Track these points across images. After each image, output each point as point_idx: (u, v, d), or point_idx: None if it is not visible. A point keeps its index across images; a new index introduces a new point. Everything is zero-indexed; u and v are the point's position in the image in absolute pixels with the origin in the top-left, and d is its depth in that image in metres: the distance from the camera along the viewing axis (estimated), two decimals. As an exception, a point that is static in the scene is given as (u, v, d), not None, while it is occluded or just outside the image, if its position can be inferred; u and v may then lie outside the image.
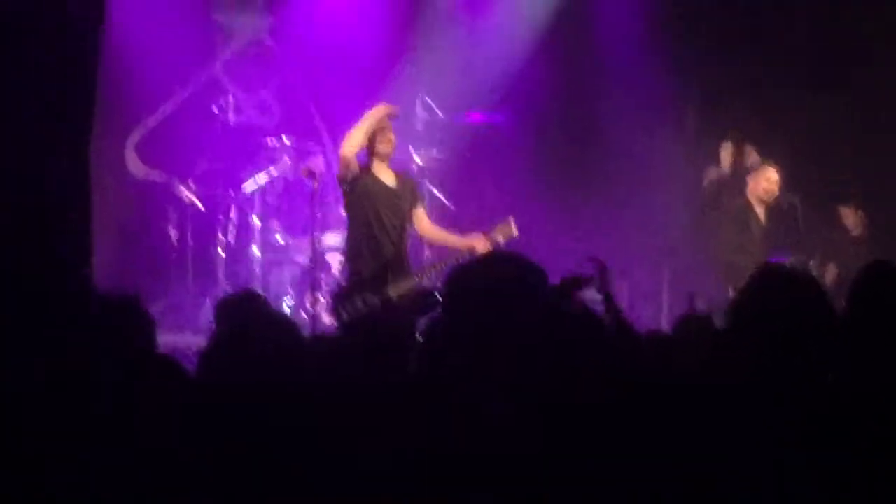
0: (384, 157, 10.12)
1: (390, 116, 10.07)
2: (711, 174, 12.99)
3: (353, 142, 9.92)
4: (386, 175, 10.18)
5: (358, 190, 10.01)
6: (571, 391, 3.60)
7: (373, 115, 10.01)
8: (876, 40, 13.57)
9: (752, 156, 12.51)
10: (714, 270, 12.19)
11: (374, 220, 9.99)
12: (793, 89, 13.90)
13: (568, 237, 12.95)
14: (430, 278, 10.55)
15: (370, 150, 10.09)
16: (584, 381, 3.65)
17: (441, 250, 11.37)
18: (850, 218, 12.97)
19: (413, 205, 10.36)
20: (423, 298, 7.20)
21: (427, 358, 3.89)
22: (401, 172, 10.49)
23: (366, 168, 10.11)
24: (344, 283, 10.39)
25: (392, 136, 10.15)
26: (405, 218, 10.21)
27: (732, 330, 4.06)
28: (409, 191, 10.40)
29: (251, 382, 3.37)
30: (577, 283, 6.02)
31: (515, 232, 10.26)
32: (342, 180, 10.07)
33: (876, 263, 4.87)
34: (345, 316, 9.73)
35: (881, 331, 4.40)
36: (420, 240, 11.22)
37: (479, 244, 10.11)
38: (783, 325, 3.80)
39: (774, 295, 3.96)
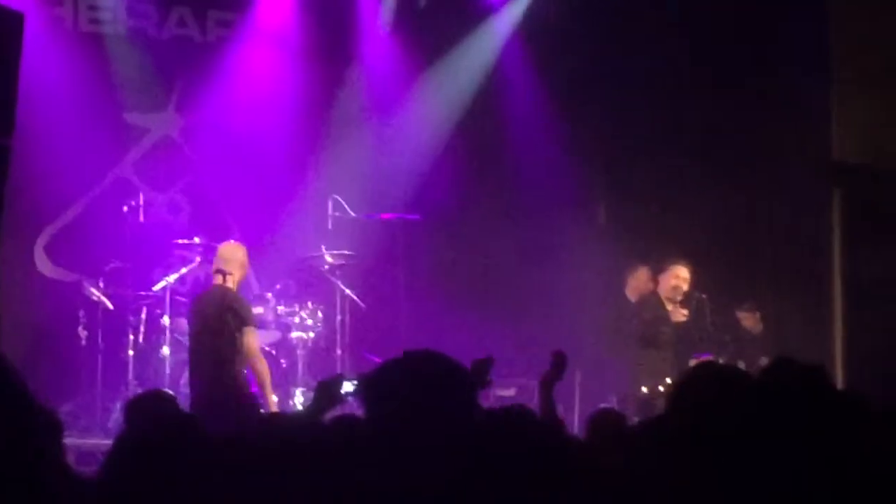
0: None
1: None
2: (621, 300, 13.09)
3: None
4: None
5: None
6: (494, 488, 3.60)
7: None
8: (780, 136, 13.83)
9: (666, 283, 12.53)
10: (624, 366, 12.27)
11: None
12: (698, 184, 14.11)
13: (476, 335, 12.97)
14: None
15: None
16: (508, 477, 3.64)
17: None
18: (749, 320, 13.18)
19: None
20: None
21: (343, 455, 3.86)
22: None
23: None
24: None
25: None
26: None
27: (668, 420, 4.11)
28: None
29: (154, 481, 3.33)
30: (484, 367, 6.07)
31: None
32: None
33: (780, 358, 4.92)
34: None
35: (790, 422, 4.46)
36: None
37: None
38: (720, 418, 3.85)
39: (712, 389, 4.03)
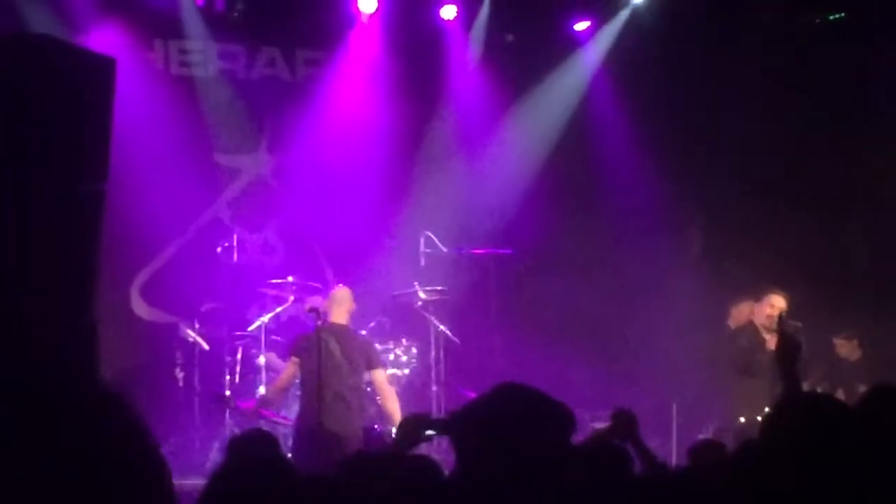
0: None
1: None
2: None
3: None
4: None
5: None
6: None
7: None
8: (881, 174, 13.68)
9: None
10: (722, 397, 12.15)
11: None
12: (793, 213, 14.01)
13: (571, 369, 12.93)
14: None
15: None
16: None
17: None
18: (846, 347, 13.01)
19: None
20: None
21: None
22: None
23: None
24: None
25: None
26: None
27: (763, 448, 4.07)
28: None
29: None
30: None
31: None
32: None
33: (879, 386, 4.87)
34: None
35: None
36: None
37: None
38: (814, 444, 3.82)
39: (807, 417, 4.00)
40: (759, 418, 11.47)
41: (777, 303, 12.11)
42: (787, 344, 6.33)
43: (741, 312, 12.84)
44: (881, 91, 13.97)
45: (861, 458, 3.92)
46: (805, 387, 11.51)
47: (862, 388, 12.13)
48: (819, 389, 11.93)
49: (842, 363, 12.80)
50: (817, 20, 14.61)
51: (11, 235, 6.29)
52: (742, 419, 11.76)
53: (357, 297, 14.03)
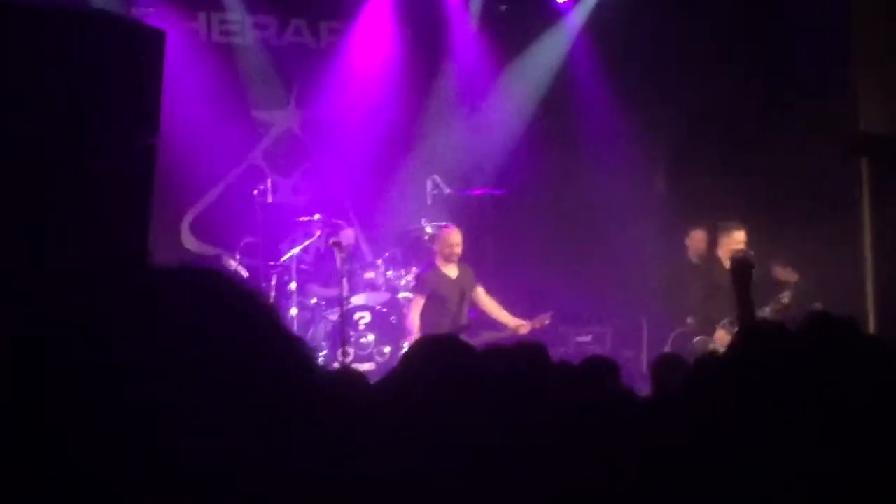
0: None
1: None
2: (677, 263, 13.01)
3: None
4: (451, 269, 11.93)
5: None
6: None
7: None
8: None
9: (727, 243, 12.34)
10: (685, 315, 12.22)
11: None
12: (743, 155, 14.05)
13: (556, 290, 13.02)
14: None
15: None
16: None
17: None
18: (783, 273, 12.89)
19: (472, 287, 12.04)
20: None
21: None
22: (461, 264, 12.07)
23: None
24: None
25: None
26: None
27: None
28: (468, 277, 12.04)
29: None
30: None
31: (548, 323, 12.04)
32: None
33: (816, 314, 4.78)
34: None
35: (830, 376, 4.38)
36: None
37: (522, 328, 11.85)
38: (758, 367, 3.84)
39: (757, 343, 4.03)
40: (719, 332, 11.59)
41: (738, 236, 12.11)
42: (740, 268, 6.37)
43: (693, 241, 12.88)
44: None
45: (799, 380, 3.93)
46: (767, 313, 11.59)
47: (818, 306, 12.15)
48: (776, 310, 11.92)
49: (781, 287, 12.69)
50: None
51: (79, 181, 6.32)
52: (699, 339, 11.84)
53: (373, 232, 14.19)
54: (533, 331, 11.87)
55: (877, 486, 3.61)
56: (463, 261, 12.18)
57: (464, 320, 11.98)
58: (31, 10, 6.44)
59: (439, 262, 12.06)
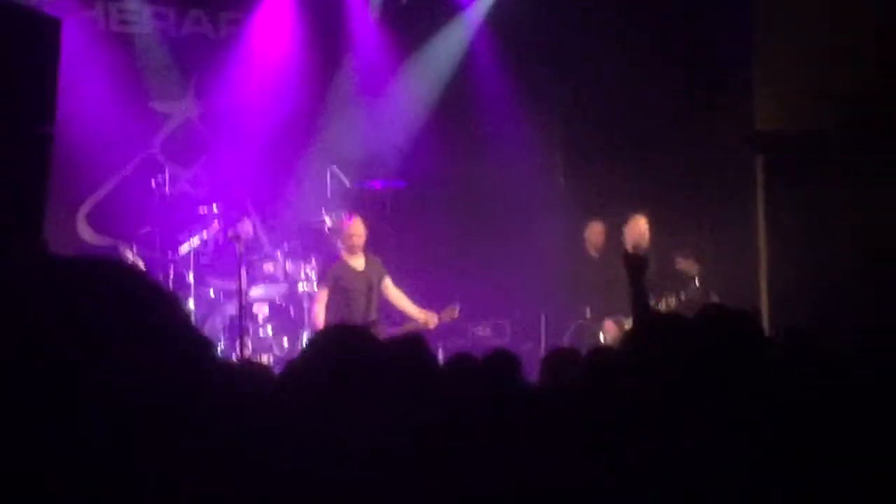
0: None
1: None
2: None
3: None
4: (356, 261, 11.88)
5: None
6: None
7: None
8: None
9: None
10: (583, 308, 12.32)
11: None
12: (641, 148, 14.24)
13: (456, 284, 13.07)
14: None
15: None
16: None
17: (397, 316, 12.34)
18: (685, 264, 13.03)
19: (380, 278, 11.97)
20: None
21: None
22: (369, 255, 12.03)
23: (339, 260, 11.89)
24: None
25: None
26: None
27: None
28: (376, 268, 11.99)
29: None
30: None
31: (457, 315, 12.04)
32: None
33: (711, 307, 4.83)
34: None
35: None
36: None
37: (431, 321, 11.85)
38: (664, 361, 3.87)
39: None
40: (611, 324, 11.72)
41: (641, 224, 12.22)
42: (631, 261, 6.42)
43: (592, 233, 12.99)
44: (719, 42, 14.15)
45: (691, 372, 3.97)
46: (662, 305, 11.73)
47: (715, 298, 12.31)
48: (670, 303, 12.05)
49: (683, 278, 12.85)
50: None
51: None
52: (598, 332, 11.97)
53: (272, 224, 14.12)
54: (441, 323, 11.92)
55: (764, 475, 3.67)
56: (369, 251, 12.17)
57: (373, 314, 11.91)
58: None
59: (343, 254, 12.04)
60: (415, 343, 3.96)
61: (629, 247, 12.04)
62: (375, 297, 11.97)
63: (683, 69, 14.33)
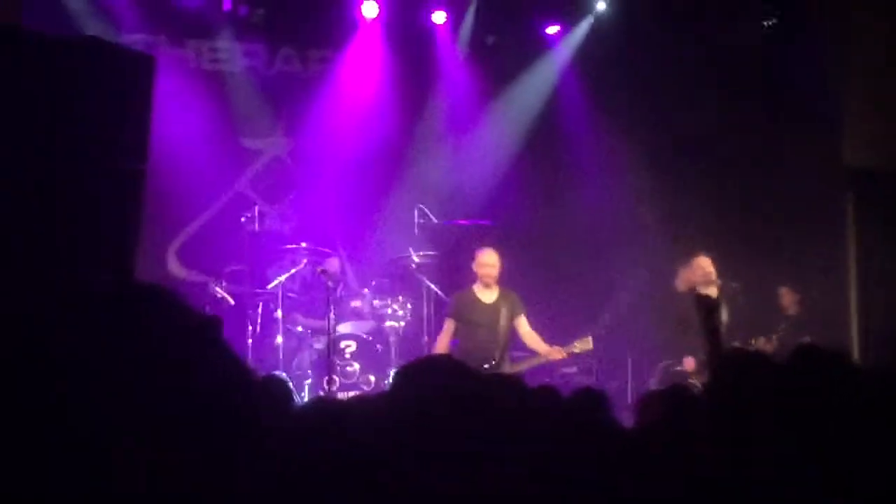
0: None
1: None
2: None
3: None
4: (486, 294, 11.40)
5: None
6: None
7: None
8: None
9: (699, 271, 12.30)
10: (666, 351, 12.18)
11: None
12: (731, 187, 14.13)
13: (543, 321, 13.01)
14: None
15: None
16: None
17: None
18: (787, 297, 12.87)
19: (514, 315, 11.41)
20: None
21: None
22: (504, 289, 11.53)
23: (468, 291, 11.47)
24: None
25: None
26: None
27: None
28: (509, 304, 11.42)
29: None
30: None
31: (591, 346, 11.26)
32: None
33: (805, 346, 4.74)
34: None
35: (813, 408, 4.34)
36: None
37: (556, 354, 11.20)
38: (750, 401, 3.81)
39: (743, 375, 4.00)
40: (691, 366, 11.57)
41: (703, 263, 12.11)
42: (701, 301, 6.38)
43: (682, 279, 12.88)
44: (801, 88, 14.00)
45: (782, 414, 3.90)
46: (753, 345, 11.56)
47: (807, 340, 12.11)
48: (753, 342, 11.88)
49: (780, 316, 12.65)
50: (753, 26, 14.61)
51: (65, 206, 6.31)
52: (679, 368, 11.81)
53: (360, 261, 14.18)
54: (571, 356, 11.38)
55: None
56: (507, 286, 11.70)
57: (498, 350, 11.27)
58: (24, 35, 6.45)
59: (475, 285, 11.62)
60: (506, 382, 3.94)
61: (697, 287, 11.96)
62: (504, 333, 11.35)
63: (772, 103, 14.20)
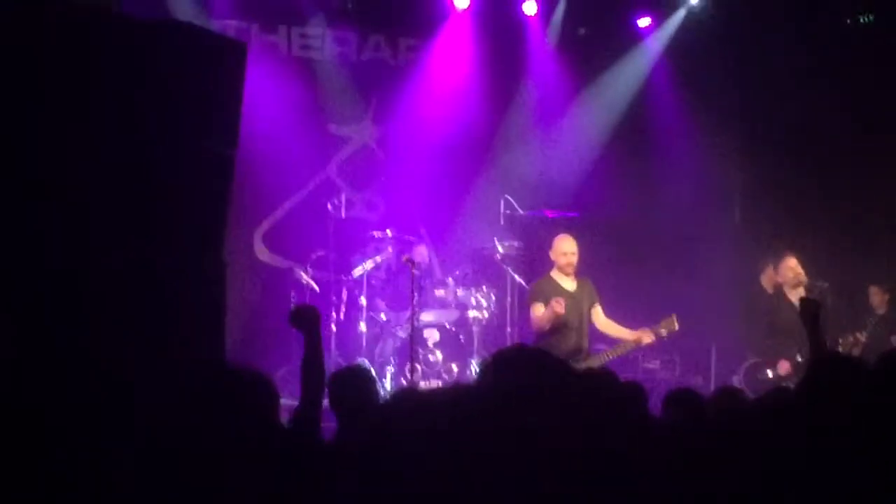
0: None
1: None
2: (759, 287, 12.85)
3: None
4: (567, 282, 11.05)
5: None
6: None
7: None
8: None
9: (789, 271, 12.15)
10: (752, 350, 12.05)
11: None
12: (817, 189, 13.97)
13: (627, 315, 12.94)
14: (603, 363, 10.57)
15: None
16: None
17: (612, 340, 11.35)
18: (877, 296, 12.68)
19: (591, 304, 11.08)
20: None
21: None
22: (580, 278, 11.19)
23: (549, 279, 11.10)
24: None
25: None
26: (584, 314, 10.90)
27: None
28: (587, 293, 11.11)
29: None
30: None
31: (677, 326, 10.77)
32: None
33: (891, 352, 4.64)
34: None
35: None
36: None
37: (646, 337, 10.79)
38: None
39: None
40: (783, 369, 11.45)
41: (791, 264, 11.99)
42: (807, 307, 6.32)
43: (767, 277, 12.74)
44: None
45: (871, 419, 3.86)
46: (842, 345, 11.42)
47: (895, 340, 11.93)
48: (841, 341, 11.71)
49: (873, 312, 12.46)
50: (848, 21, 14.41)
51: (159, 187, 6.40)
52: (769, 371, 11.67)
53: (446, 250, 14.21)
54: (659, 339, 10.91)
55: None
56: (583, 275, 11.35)
57: (584, 341, 10.93)
58: (119, 21, 6.54)
59: (553, 273, 11.22)
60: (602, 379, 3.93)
61: (786, 288, 11.84)
62: (586, 323, 10.97)
63: (865, 100, 14.00)
